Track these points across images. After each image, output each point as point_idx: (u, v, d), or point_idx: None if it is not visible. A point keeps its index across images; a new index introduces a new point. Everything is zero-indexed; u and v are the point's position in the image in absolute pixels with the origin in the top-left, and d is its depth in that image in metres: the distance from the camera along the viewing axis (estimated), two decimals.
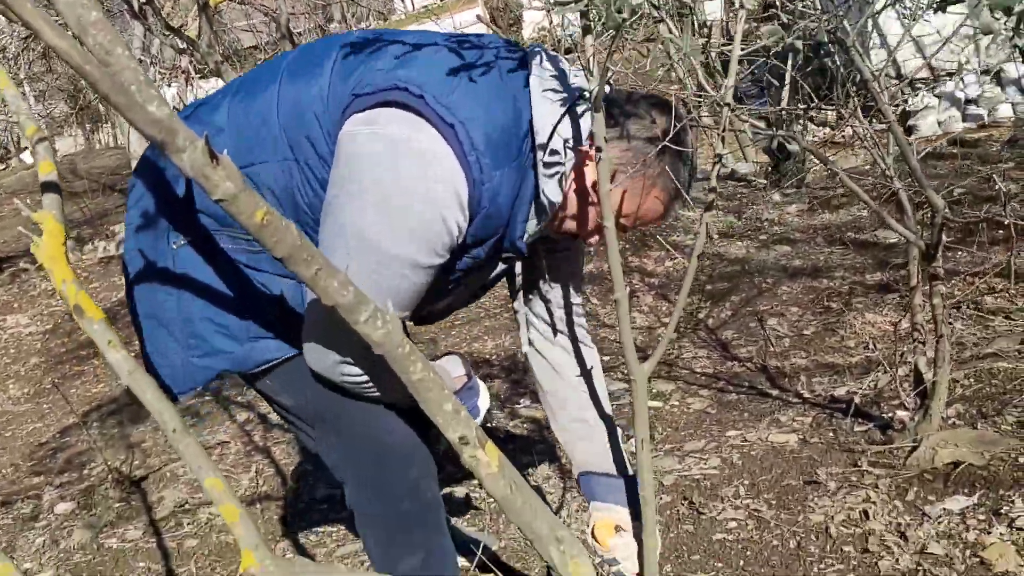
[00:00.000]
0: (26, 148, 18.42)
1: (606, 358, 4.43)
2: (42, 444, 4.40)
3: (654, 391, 3.90)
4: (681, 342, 4.43)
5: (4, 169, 17.68)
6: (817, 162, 7.72)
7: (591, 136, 1.62)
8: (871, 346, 3.95)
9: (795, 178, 6.90)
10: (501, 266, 1.93)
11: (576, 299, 2.14)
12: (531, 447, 3.46)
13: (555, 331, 2.13)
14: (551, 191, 1.73)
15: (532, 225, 1.80)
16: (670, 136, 1.71)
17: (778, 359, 4.02)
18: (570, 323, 2.15)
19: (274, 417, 4.29)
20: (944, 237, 2.59)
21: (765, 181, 7.34)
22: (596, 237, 1.81)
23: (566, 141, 1.71)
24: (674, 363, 4.15)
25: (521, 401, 3.97)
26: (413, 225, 1.59)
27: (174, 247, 1.79)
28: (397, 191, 1.59)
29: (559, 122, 1.69)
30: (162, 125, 1.10)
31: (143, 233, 1.83)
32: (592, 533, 2.09)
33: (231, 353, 1.81)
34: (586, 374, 2.13)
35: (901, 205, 2.79)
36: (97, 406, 4.80)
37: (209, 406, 4.53)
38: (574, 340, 2.15)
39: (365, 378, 1.74)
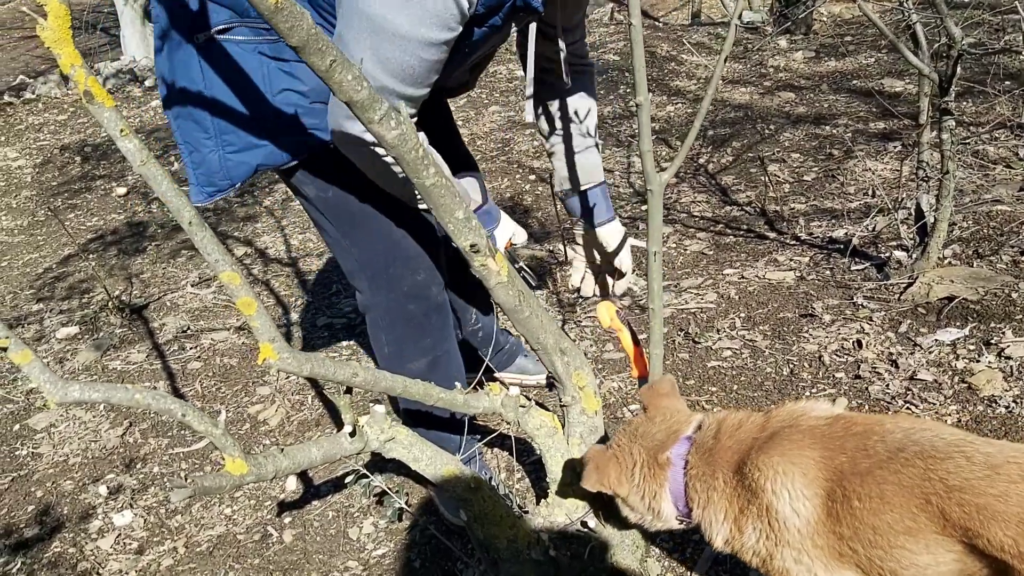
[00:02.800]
0: None
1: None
2: (40, 274, 4.41)
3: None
4: (680, 186, 4.41)
5: None
6: (823, 9, 7.49)
7: None
8: (871, 192, 3.95)
9: (803, 23, 6.70)
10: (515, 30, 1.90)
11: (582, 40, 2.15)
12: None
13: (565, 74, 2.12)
14: None
15: None
16: None
17: (777, 203, 4.01)
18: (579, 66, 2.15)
19: (272, 251, 4.30)
20: (959, 70, 2.54)
21: (772, 26, 7.14)
22: None
23: None
24: (672, 207, 4.14)
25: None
26: (426, 3, 1.56)
27: (199, 40, 1.76)
28: None
29: None
30: None
31: (170, 39, 1.80)
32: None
33: (264, 147, 1.82)
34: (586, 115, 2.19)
35: (916, 39, 2.72)
36: (94, 238, 4.80)
37: None
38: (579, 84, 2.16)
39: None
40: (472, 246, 1.62)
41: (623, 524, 1.70)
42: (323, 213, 1.96)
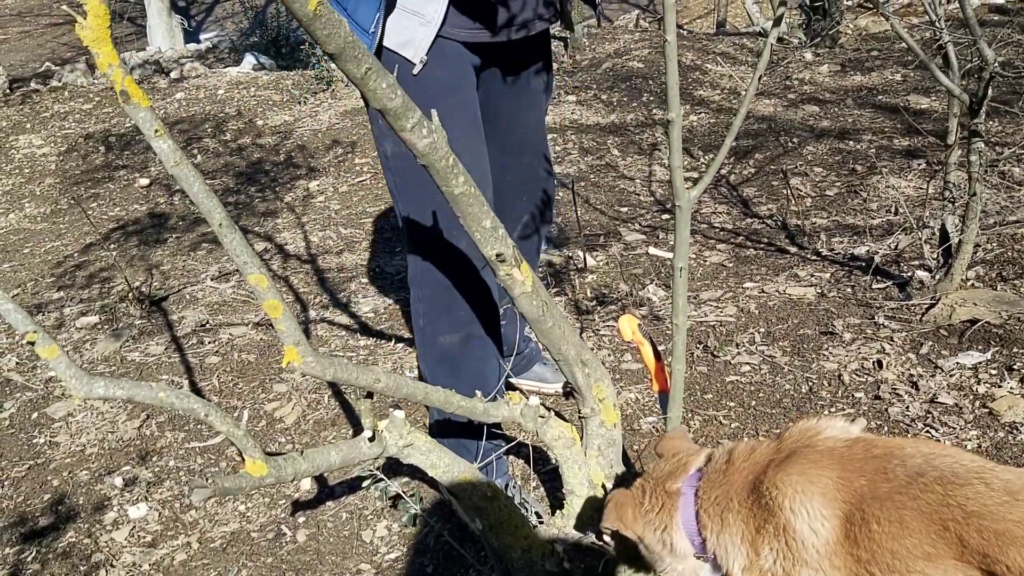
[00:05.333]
0: None
1: (624, 209, 4.42)
2: (61, 262, 4.44)
3: (668, 245, 3.91)
4: (701, 197, 4.39)
5: None
6: (850, 23, 7.46)
7: None
8: (894, 209, 3.93)
9: (828, 37, 6.67)
10: None
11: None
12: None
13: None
14: None
15: None
16: None
17: (799, 218, 4.00)
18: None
19: (292, 247, 4.32)
20: (990, 92, 2.53)
21: (799, 38, 7.11)
22: None
23: None
24: (693, 217, 4.12)
25: None
26: None
27: None
28: None
29: None
30: None
31: None
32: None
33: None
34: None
35: (947, 59, 2.70)
36: (115, 227, 4.82)
37: None
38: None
39: None
40: (498, 255, 1.62)
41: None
42: (391, 169, 2.06)
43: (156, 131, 1.30)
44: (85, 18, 1.29)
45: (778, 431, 1.45)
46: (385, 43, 1.96)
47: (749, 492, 1.39)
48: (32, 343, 1.37)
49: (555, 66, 6.73)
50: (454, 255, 2.02)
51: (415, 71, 1.97)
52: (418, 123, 1.43)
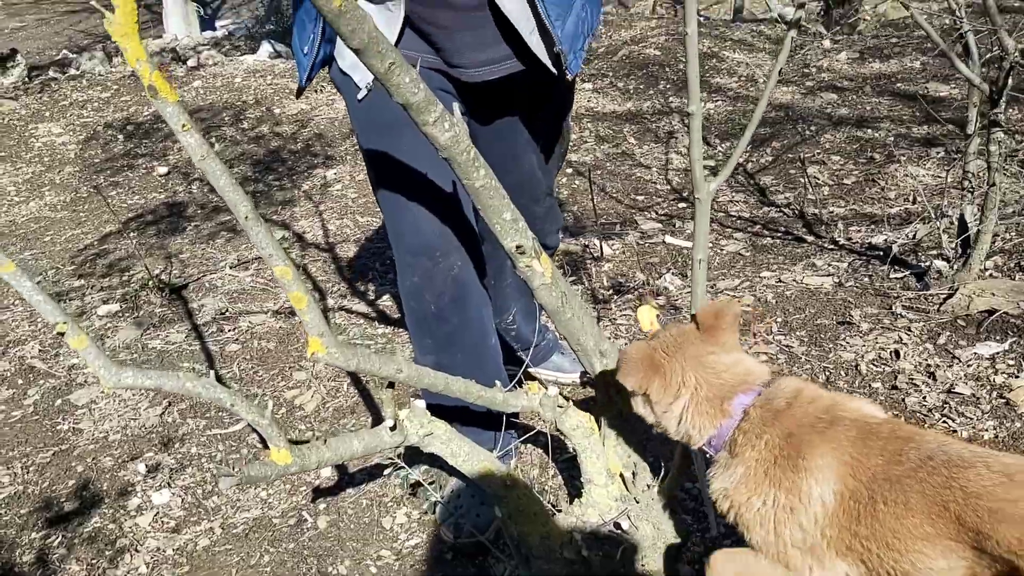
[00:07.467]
0: None
1: (640, 198, 4.42)
2: (82, 250, 4.48)
3: (685, 233, 3.91)
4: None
5: None
6: (868, 9, 7.40)
7: None
8: (912, 198, 3.91)
9: (847, 24, 6.63)
10: None
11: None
12: None
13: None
14: None
15: None
16: None
17: (816, 206, 3.99)
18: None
19: (310, 236, 4.35)
20: (1010, 82, 2.52)
21: (817, 25, 7.06)
22: None
23: None
24: (710, 206, 4.13)
25: None
26: None
27: None
28: None
29: None
30: None
31: None
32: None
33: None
34: None
35: (967, 48, 2.69)
36: (134, 216, 4.87)
37: None
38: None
39: None
40: (518, 247, 1.64)
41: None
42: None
43: (184, 125, 1.32)
44: (113, 12, 1.31)
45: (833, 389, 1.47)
46: (338, 60, 1.94)
47: (784, 437, 1.43)
48: (62, 334, 1.40)
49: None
50: (410, 284, 2.08)
51: (359, 96, 1.91)
52: (440, 117, 1.44)
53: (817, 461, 1.37)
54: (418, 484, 2.23)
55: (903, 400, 2.35)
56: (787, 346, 2.72)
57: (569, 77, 1.88)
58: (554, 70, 1.87)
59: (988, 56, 2.60)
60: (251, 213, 1.37)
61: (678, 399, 1.55)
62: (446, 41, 1.87)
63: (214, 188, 1.35)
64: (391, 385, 1.67)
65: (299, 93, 2.01)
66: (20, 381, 3.19)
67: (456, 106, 1.51)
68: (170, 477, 2.55)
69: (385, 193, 1.99)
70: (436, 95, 1.45)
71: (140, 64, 1.29)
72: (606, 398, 1.84)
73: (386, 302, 3.51)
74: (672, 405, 1.55)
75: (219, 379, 1.47)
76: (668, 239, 3.84)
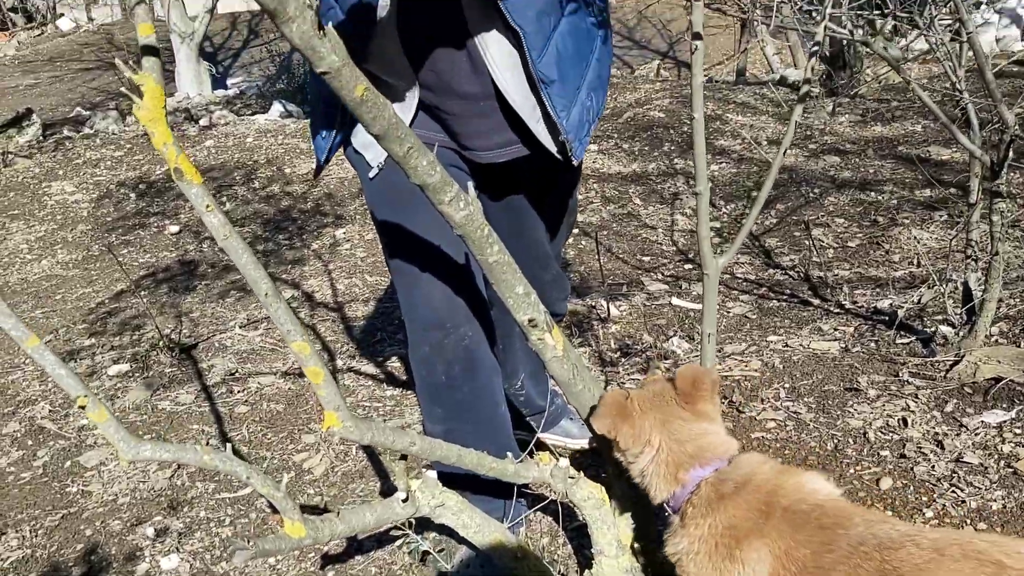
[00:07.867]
0: (62, 15, 18.26)
1: (646, 258, 4.46)
2: (93, 308, 4.53)
3: (692, 295, 3.95)
4: (723, 246, 4.44)
5: (40, 35, 17.58)
6: (870, 74, 7.53)
7: None
8: (916, 262, 3.95)
9: (849, 88, 6.74)
10: None
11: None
12: None
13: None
14: None
15: None
16: None
17: (821, 269, 4.03)
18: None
19: (319, 295, 4.39)
20: (1011, 154, 2.56)
21: (819, 89, 7.18)
22: None
23: None
24: None
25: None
26: None
27: None
28: None
29: None
30: None
31: None
32: None
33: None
34: None
35: (968, 119, 2.75)
36: (146, 274, 4.92)
37: None
38: None
39: None
40: (531, 321, 1.67)
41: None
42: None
43: (207, 206, 1.37)
44: (141, 98, 1.36)
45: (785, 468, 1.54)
46: (352, 140, 2.02)
47: (727, 530, 1.51)
48: (83, 407, 1.43)
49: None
50: (421, 354, 2.11)
51: (371, 175, 2.00)
52: (455, 196, 1.49)
53: (752, 555, 1.45)
54: (427, 553, 2.23)
55: (912, 469, 2.36)
56: (795, 412, 2.74)
57: (575, 163, 1.94)
58: (559, 157, 1.93)
59: (989, 128, 2.65)
60: (271, 290, 1.41)
61: (643, 454, 1.63)
62: (456, 126, 1.95)
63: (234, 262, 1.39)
64: (403, 457, 1.69)
65: (317, 173, 2.08)
66: (30, 442, 3.20)
67: (470, 184, 1.55)
68: (179, 541, 2.55)
69: (398, 264, 2.04)
70: (450, 171, 1.51)
71: (167, 148, 1.34)
72: (617, 468, 1.85)
73: (394, 363, 3.54)
74: (638, 457, 1.64)
75: (226, 441, 1.49)
76: (675, 300, 3.87)
